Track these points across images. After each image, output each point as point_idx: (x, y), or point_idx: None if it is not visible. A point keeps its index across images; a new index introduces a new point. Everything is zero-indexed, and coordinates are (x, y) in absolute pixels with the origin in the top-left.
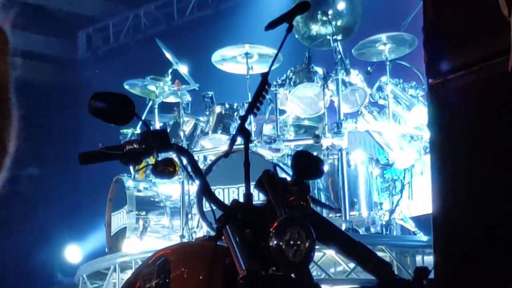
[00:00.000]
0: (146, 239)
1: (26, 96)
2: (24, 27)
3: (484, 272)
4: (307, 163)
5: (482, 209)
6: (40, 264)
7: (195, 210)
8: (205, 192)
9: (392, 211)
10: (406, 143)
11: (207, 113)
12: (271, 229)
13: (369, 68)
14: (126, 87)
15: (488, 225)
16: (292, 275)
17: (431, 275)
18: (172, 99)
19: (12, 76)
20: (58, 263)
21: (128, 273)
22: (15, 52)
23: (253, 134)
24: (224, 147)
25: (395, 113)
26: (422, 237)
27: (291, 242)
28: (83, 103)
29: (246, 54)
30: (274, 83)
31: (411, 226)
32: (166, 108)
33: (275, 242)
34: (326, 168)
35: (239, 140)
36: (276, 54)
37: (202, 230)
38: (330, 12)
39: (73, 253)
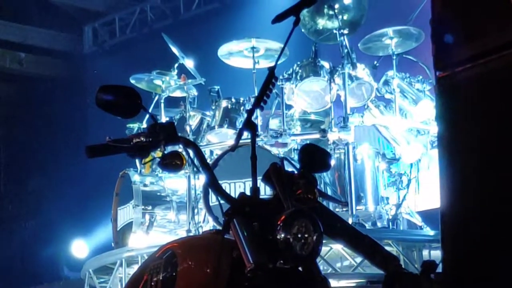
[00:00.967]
0: (152, 234)
1: (32, 90)
2: (30, 21)
3: (492, 267)
4: (314, 156)
5: (490, 203)
6: (46, 258)
7: (201, 204)
8: (212, 185)
9: (398, 206)
10: (412, 137)
11: (213, 107)
12: (279, 222)
13: (375, 62)
14: (132, 81)
15: (496, 219)
16: (300, 268)
17: (439, 269)
18: (178, 94)
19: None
20: (64, 258)
21: (135, 268)
22: (21, 46)
23: (259, 129)
24: (231, 142)
25: (402, 107)
26: (429, 231)
27: (299, 235)
28: (90, 97)
29: (253, 48)
30: (281, 77)
31: (417, 220)
32: (172, 102)
33: (282, 235)
34: (332, 162)
35: (246, 134)
36: (283, 48)
37: (208, 225)
38: (336, 6)
39: (79, 247)
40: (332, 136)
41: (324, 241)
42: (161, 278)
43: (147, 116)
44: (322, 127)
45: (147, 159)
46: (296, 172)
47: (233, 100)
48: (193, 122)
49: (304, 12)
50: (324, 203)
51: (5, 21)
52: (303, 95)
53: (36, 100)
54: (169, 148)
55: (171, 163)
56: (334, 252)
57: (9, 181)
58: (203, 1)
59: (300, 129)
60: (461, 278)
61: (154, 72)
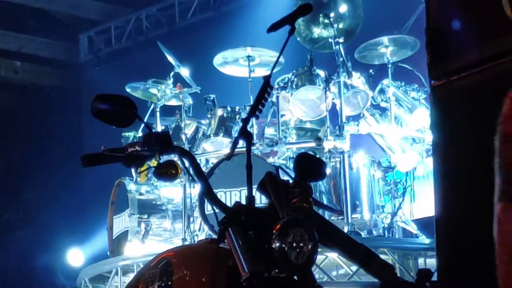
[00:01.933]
0: (148, 243)
1: (28, 98)
2: (25, 30)
3: (487, 275)
4: (309, 165)
5: (484, 211)
6: (42, 267)
7: (197, 213)
8: (208, 194)
9: (394, 214)
10: (408, 145)
11: (209, 116)
12: (274, 231)
13: (371, 71)
14: (128, 90)
15: (491, 228)
16: (295, 277)
17: (434, 277)
18: (174, 102)
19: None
20: (60, 267)
21: (130, 276)
22: (17, 55)
23: (255, 137)
24: (226, 150)
25: (397, 115)
26: (424, 239)
27: (294, 244)
28: (85, 106)
29: (248, 57)
30: (276, 86)
31: (413, 228)
32: (168, 111)
33: (277, 244)
34: (328, 171)
35: (241, 143)
36: (278, 57)
37: (204, 233)
38: (332, 14)
39: (75, 256)
40: (328, 144)
41: (319, 250)
42: (156, 287)
43: (143, 125)
44: (318, 135)
45: (143, 168)
46: (291, 181)
47: (229, 108)
48: (189, 130)
49: (300, 21)
50: (320, 211)
51: (1, 30)
52: (299, 104)
53: (32, 108)
54: (165, 157)
55: (166, 172)
56: (330, 261)
57: (5, 190)
58: (199, 10)
59: (296, 138)
60: (456, 286)
61: (150, 81)
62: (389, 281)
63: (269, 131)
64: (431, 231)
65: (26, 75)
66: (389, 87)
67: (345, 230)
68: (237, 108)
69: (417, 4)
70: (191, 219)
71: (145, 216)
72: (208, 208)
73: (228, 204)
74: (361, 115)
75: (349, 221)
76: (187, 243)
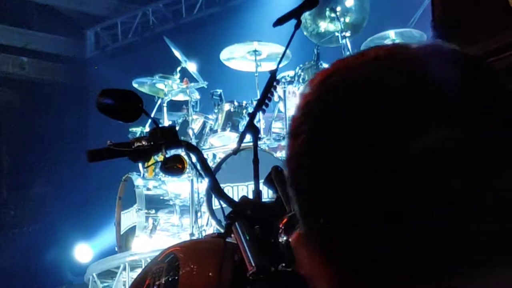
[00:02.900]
0: (155, 238)
1: (34, 95)
2: (32, 26)
3: None
4: None
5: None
6: (49, 263)
7: (204, 208)
8: (215, 189)
9: None
10: None
11: (216, 111)
12: (280, 225)
13: None
14: (135, 85)
15: None
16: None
17: None
18: (181, 97)
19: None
20: (67, 263)
21: (138, 272)
22: (23, 51)
23: (262, 132)
24: (233, 145)
25: None
26: None
27: None
28: (92, 102)
29: (255, 51)
30: (283, 80)
31: None
32: (175, 106)
33: (284, 238)
34: None
35: (248, 137)
36: (284, 51)
37: (211, 228)
38: (338, 8)
39: (82, 252)
40: None
41: None
42: (163, 281)
43: (150, 120)
44: None
45: (150, 163)
46: None
47: (236, 103)
48: (196, 125)
49: (306, 14)
50: None
51: (7, 26)
52: None
53: (38, 104)
54: (171, 152)
55: (173, 167)
56: None
57: (12, 186)
58: (205, 5)
59: None
60: None
61: (157, 76)
62: None
63: (276, 126)
64: None
65: (33, 71)
66: None
67: None
68: (244, 102)
69: None
70: (199, 214)
71: (153, 211)
72: (216, 203)
73: (236, 198)
74: None
75: None
76: (194, 238)
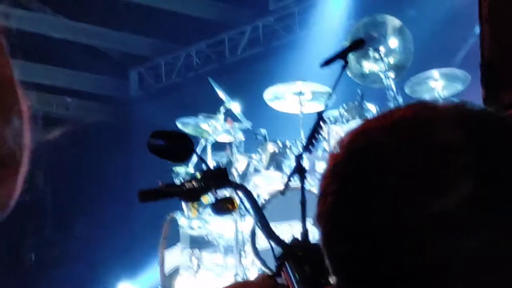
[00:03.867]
0: (199, 277)
1: (79, 135)
2: (76, 66)
3: None
4: None
5: None
6: None
7: (248, 248)
8: (264, 228)
9: None
10: None
11: (259, 150)
12: None
13: None
14: (179, 125)
15: None
16: None
17: None
18: (225, 138)
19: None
20: None
21: None
22: (67, 91)
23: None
24: (277, 185)
25: None
26: None
27: None
28: (135, 142)
29: (299, 92)
30: (327, 120)
31: None
32: (218, 146)
33: (335, 279)
34: None
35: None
36: (332, 91)
37: (255, 268)
38: (382, 49)
39: None
40: None
41: None
42: None
43: (195, 160)
44: None
45: (204, 202)
46: None
47: (280, 143)
48: (240, 165)
49: (350, 55)
50: None
51: (52, 66)
52: None
53: (83, 144)
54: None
55: (223, 207)
56: None
57: (56, 226)
58: (249, 46)
59: None
60: None
61: (201, 116)
62: None
63: (320, 165)
64: None
65: (77, 112)
66: None
67: None
68: (288, 142)
69: (468, 38)
70: (243, 254)
71: (197, 251)
72: (259, 243)
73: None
74: None
75: None
76: (239, 278)
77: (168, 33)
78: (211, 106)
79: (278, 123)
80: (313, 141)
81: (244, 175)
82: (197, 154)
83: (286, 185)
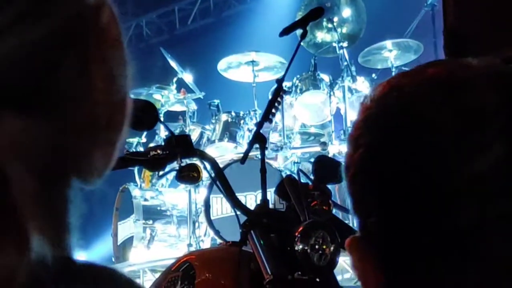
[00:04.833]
0: (153, 248)
1: None
2: None
3: None
4: (327, 168)
5: None
6: None
7: (202, 218)
8: (230, 197)
9: None
10: None
11: (213, 121)
12: (296, 234)
13: (373, 75)
14: (131, 96)
15: None
16: (318, 279)
17: None
18: (178, 108)
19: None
20: None
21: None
22: None
23: None
24: (231, 155)
25: None
26: None
27: (316, 247)
28: None
29: (252, 62)
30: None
31: None
32: (171, 117)
33: (300, 246)
34: None
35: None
36: (291, 60)
37: (209, 238)
38: (335, 19)
39: None
40: (333, 149)
41: None
42: None
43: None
44: (322, 140)
45: (165, 171)
46: (309, 183)
47: (233, 113)
48: (193, 136)
49: None
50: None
51: None
52: (303, 108)
53: None
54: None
55: (189, 176)
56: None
57: None
58: (200, 16)
59: (300, 142)
60: None
61: (153, 87)
62: None
63: (274, 136)
64: None
65: None
66: None
67: None
68: (242, 113)
69: (420, 8)
70: (196, 224)
71: (150, 222)
72: (213, 213)
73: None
74: None
75: (354, 224)
76: (192, 248)
77: (117, 3)
78: (164, 77)
79: (232, 93)
80: (273, 109)
81: (197, 146)
82: (162, 121)
83: (246, 153)
